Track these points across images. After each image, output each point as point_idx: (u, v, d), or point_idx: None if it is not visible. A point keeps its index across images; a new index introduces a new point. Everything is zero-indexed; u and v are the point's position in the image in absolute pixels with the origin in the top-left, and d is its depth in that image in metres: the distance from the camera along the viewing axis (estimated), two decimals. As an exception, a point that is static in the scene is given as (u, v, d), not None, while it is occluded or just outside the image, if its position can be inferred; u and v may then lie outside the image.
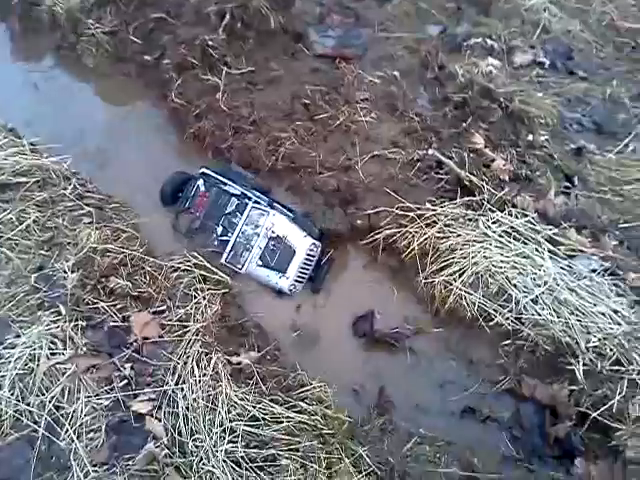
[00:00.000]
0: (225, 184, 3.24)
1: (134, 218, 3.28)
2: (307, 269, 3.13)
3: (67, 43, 4.13)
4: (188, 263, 2.99)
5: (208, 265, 2.99)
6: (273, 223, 3.06)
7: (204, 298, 2.87)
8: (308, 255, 3.09)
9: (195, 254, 3.02)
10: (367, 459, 2.44)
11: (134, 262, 3.00)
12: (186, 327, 2.77)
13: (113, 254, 2.98)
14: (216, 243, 3.16)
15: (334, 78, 3.70)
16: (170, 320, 2.80)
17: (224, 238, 3.15)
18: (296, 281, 3.09)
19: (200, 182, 3.27)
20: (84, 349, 2.64)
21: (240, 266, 3.07)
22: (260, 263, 3.07)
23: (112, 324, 2.75)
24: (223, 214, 3.19)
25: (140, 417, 2.50)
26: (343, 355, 2.96)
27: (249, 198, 3.17)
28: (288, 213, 3.19)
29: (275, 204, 3.21)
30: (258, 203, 3.14)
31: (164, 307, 2.86)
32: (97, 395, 2.52)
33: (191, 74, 3.65)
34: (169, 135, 3.74)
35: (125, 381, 2.59)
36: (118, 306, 2.81)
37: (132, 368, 2.63)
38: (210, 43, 3.62)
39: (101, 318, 2.76)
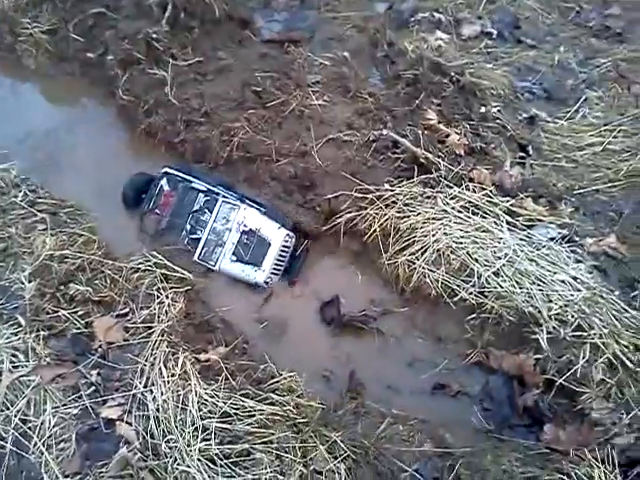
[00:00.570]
0: (190, 181, 3.17)
1: (90, 221, 3.21)
2: (283, 261, 3.08)
3: (4, 45, 4.01)
4: (148, 263, 2.95)
5: (169, 263, 2.95)
6: (245, 217, 3.02)
7: (167, 297, 2.83)
8: (283, 247, 3.04)
9: (155, 253, 2.98)
10: (341, 444, 2.43)
11: (93, 266, 2.95)
12: (151, 328, 2.73)
13: (71, 260, 2.92)
14: (186, 241, 3.11)
15: (284, 63, 3.65)
16: (134, 322, 2.76)
17: (195, 236, 3.09)
18: (272, 273, 3.04)
19: (164, 182, 3.20)
20: (48, 359, 2.60)
21: (213, 263, 3.03)
22: (234, 258, 3.02)
23: (75, 331, 2.71)
24: (191, 212, 3.12)
25: (110, 423, 2.47)
26: (311, 342, 2.95)
27: (217, 194, 3.11)
28: (259, 207, 3.13)
29: (245, 199, 3.15)
30: (227, 198, 3.09)
31: (127, 310, 2.81)
32: (64, 405, 2.48)
33: (137, 69, 3.58)
34: (120, 133, 3.66)
35: (92, 388, 2.56)
36: (80, 313, 2.77)
37: (99, 374, 2.60)
38: (154, 36, 3.54)
39: (63, 326, 2.72)
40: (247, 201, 3.13)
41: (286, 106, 3.44)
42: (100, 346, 2.68)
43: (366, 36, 3.88)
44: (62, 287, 2.82)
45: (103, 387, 2.57)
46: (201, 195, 3.12)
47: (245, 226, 3.01)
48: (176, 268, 2.95)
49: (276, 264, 3.04)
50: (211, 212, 3.06)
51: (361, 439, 2.50)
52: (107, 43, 3.69)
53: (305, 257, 3.18)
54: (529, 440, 2.56)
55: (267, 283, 3.04)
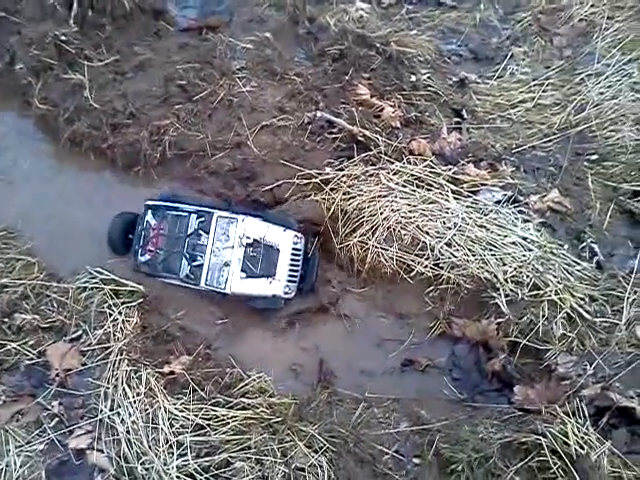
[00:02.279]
0: (177, 208, 2.90)
1: (25, 243, 3.04)
2: (297, 265, 2.90)
3: None
4: (95, 281, 2.83)
5: (117, 278, 2.84)
6: (245, 228, 2.75)
7: (120, 313, 2.74)
8: (294, 250, 2.87)
9: (100, 269, 2.86)
10: (319, 437, 2.43)
11: (37, 291, 2.82)
12: (108, 348, 2.65)
13: (11, 288, 2.79)
14: (190, 270, 2.82)
15: (205, 51, 3.49)
16: (89, 345, 2.67)
17: (197, 262, 2.80)
18: (289, 281, 2.86)
19: (149, 216, 2.93)
20: (3, 397, 2.49)
21: (223, 286, 2.75)
22: (244, 275, 2.75)
23: (28, 363, 2.60)
24: (186, 238, 2.84)
25: (81, 453, 2.40)
26: (274, 337, 2.92)
27: (209, 212, 2.82)
28: (258, 216, 2.90)
29: (242, 212, 2.89)
30: (222, 213, 2.83)
31: (80, 332, 2.72)
32: (29, 442, 2.40)
33: (51, 75, 3.36)
34: (42, 145, 3.43)
35: (56, 419, 2.48)
36: (30, 342, 2.65)
37: (60, 404, 2.52)
38: (63, 38, 3.32)
39: (14, 359, 2.60)
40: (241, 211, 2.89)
41: (214, 97, 3.31)
42: (57, 374, 2.57)
43: (286, 14, 3.75)
44: (6, 319, 2.69)
45: (67, 417, 2.49)
46: (193, 217, 2.84)
47: (248, 238, 2.75)
48: (125, 282, 2.84)
49: (291, 270, 2.86)
50: (208, 233, 2.79)
51: (338, 429, 2.51)
52: (13, 50, 3.44)
53: (319, 258, 2.99)
54: (502, 404, 2.62)
55: (287, 293, 2.87)
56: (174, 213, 2.89)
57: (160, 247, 2.89)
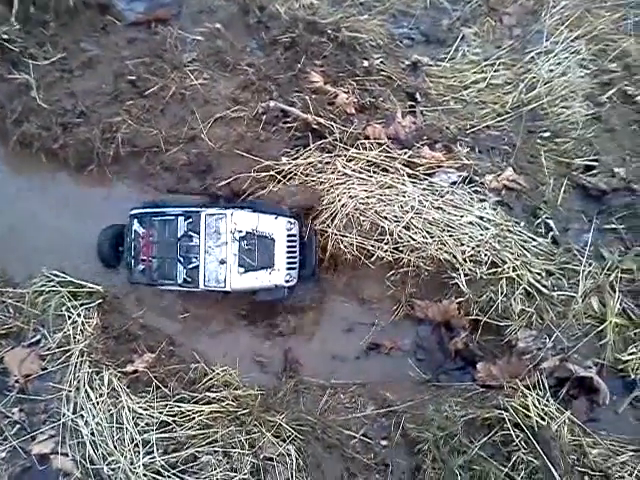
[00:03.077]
0: (164, 212, 2.84)
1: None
2: (294, 252, 2.83)
3: None
4: (51, 283, 2.78)
5: (74, 279, 2.80)
6: (235, 222, 2.70)
7: (79, 315, 2.70)
8: (289, 236, 2.81)
9: (56, 272, 2.81)
10: (286, 426, 2.43)
11: (-9, 298, 2.76)
12: (68, 351, 2.61)
13: (-37, 296, 2.72)
14: (186, 274, 2.76)
15: (154, 45, 3.43)
16: (49, 349, 2.64)
17: (192, 265, 2.75)
18: (289, 269, 2.81)
19: (135, 225, 2.87)
20: (-39, 408, 2.44)
21: (223, 285, 2.69)
22: (242, 270, 2.71)
23: (-15, 371, 2.54)
24: (177, 242, 2.79)
25: (44, 458, 2.38)
26: (238, 328, 2.92)
27: (197, 212, 2.77)
28: (248, 207, 2.85)
29: (230, 206, 2.85)
30: (209, 210, 2.77)
31: (38, 337, 2.68)
32: (-10, 451, 2.35)
33: (-6, 76, 3.28)
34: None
35: (17, 426, 2.45)
36: (-14, 350, 2.59)
37: (21, 410, 2.49)
38: (4, 37, 3.23)
39: (-29, 369, 2.55)
40: (229, 206, 2.85)
41: (166, 91, 3.26)
42: (17, 381, 2.54)
43: (236, 3, 3.70)
44: (-40, 328, 2.63)
45: (29, 423, 2.47)
46: (181, 219, 2.79)
47: (240, 232, 2.71)
48: (83, 283, 2.80)
49: (289, 257, 2.81)
50: (198, 233, 2.73)
51: (305, 416, 2.52)
52: (-50, 52, 3.34)
53: (317, 241, 2.93)
54: (465, 382, 2.66)
55: (288, 281, 2.81)
56: (161, 218, 2.83)
57: (153, 255, 2.83)
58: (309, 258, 2.89)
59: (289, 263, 2.81)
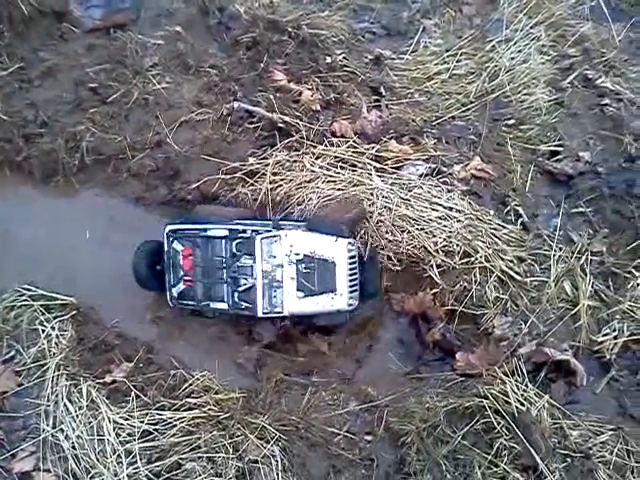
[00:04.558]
0: (205, 230, 2.68)
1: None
2: (356, 274, 2.68)
3: None
4: (23, 298, 2.73)
5: (46, 293, 2.76)
6: (291, 244, 2.57)
7: (53, 329, 2.66)
8: (350, 258, 2.65)
9: (27, 286, 2.76)
10: (270, 428, 2.43)
11: (-40, 317, 2.70)
12: (44, 365, 2.57)
13: None
14: (237, 298, 2.64)
15: (114, 51, 3.40)
16: (24, 364, 2.59)
17: (243, 287, 2.63)
18: (351, 292, 2.65)
19: (175, 243, 2.71)
20: (-64, 430, 2.39)
21: (280, 309, 2.58)
22: (301, 295, 2.58)
23: (-41, 391, 2.49)
24: (224, 262, 2.65)
25: (26, 475, 2.34)
26: (213, 330, 2.89)
27: (244, 231, 2.63)
28: (298, 224, 2.74)
29: (279, 223, 2.73)
30: (258, 232, 2.62)
31: (12, 353, 2.62)
32: (-31, 474, 2.31)
33: (-51, 89, 3.21)
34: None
35: (-4, 445, 2.40)
36: (-41, 370, 2.54)
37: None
38: (-42, 49, 3.18)
39: (-56, 389, 2.49)
40: (284, 224, 2.72)
41: (128, 97, 3.24)
42: (-7, 398, 2.48)
43: (195, 5, 3.66)
44: None
45: (8, 440, 2.42)
46: (227, 238, 2.64)
47: (297, 254, 2.57)
48: (55, 295, 2.76)
49: (351, 281, 2.65)
50: (250, 255, 2.59)
51: (288, 416, 2.51)
52: None
53: (377, 260, 2.82)
54: (445, 372, 2.68)
55: (351, 305, 2.66)
56: (203, 236, 2.69)
57: (195, 275, 2.70)
58: (370, 279, 2.77)
59: (351, 286, 2.65)
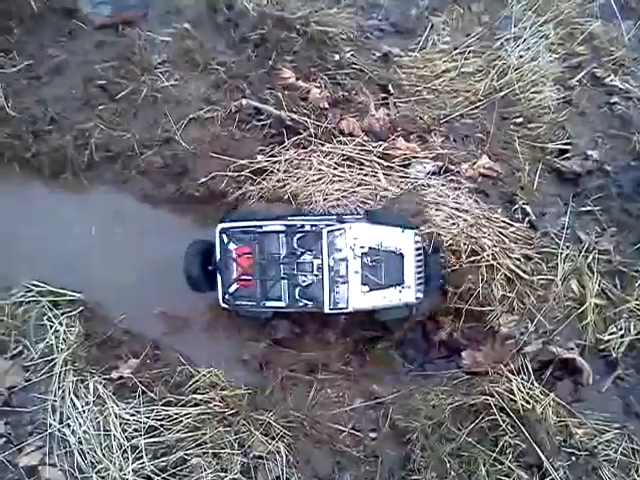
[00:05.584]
0: (260, 226, 2.58)
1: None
2: (422, 267, 2.60)
3: None
4: (31, 294, 2.75)
5: (54, 289, 2.78)
6: (356, 237, 2.47)
7: (61, 324, 2.69)
8: (417, 250, 2.58)
9: (36, 282, 2.78)
10: (275, 424, 2.44)
11: (-30, 312, 2.73)
12: (52, 361, 2.59)
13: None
14: (298, 294, 2.54)
15: (123, 48, 3.39)
16: (32, 360, 2.62)
17: (304, 284, 2.52)
18: (418, 284, 2.58)
19: (228, 242, 2.60)
20: (-55, 423, 2.41)
21: (345, 305, 2.48)
22: (367, 289, 2.49)
23: (-32, 386, 2.52)
24: (281, 259, 2.55)
25: (33, 470, 2.37)
26: (219, 327, 2.91)
27: (302, 226, 2.54)
28: (359, 217, 2.68)
29: (340, 215, 2.69)
30: (317, 226, 2.51)
31: (20, 348, 2.65)
32: (-24, 468, 2.34)
33: (-41, 86, 3.22)
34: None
35: (3, 439, 2.43)
36: (-32, 364, 2.57)
37: (7, 423, 2.47)
38: (-32, 45, 3.19)
39: (-47, 384, 2.52)
40: (346, 218, 2.63)
41: (137, 94, 3.24)
42: (0, 393, 2.52)
43: (203, 2, 3.66)
44: (-60, 343, 2.60)
45: (15, 435, 2.45)
46: (283, 235, 2.55)
47: (362, 247, 2.48)
48: (62, 291, 2.78)
49: (419, 273, 2.58)
50: (311, 250, 2.50)
51: (293, 413, 2.53)
52: None
53: (441, 251, 2.74)
54: (451, 369, 2.69)
55: (418, 298, 2.58)
56: (260, 232, 2.59)
57: (252, 274, 2.59)
58: (435, 272, 2.68)
59: (419, 279, 2.59)
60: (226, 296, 2.62)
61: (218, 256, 2.61)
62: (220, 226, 2.63)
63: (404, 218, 2.64)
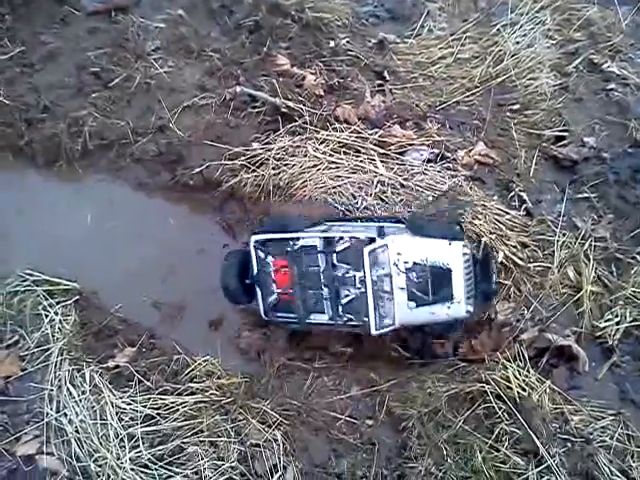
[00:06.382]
0: (297, 238, 2.48)
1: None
2: (471, 278, 2.49)
3: None
4: (26, 283, 2.74)
5: (49, 277, 2.77)
6: (399, 252, 2.37)
7: (57, 314, 2.68)
8: (466, 263, 2.47)
9: (30, 271, 2.77)
10: (272, 412, 2.44)
11: (-36, 303, 2.72)
12: (47, 350, 2.59)
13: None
14: (341, 310, 2.45)
15: (116, 35, 3.38)
16: (28, 349, 2.61)
17: (345, 300, 2.44)
18: (468, 298, 2.47)
19: (268, 258, 2.52)
20: (-59, 413, 2.41)
21: (391, 321, 2.40)
22: (413, 305, 2.39)
23: (-36, 375, 2.51)
24: (321, 272, 2.45)
25: (30, 459, 2.36)
26: (215, 315, 2.91)
27: (341, 239, 2.42)
28: (399, 225, 2.54)
29: (380, 226, 2.47)
30: (358, 239, 2.40)
31: (16, 337, 2.64)
32: (-27, 457, 2.33)
33: (-50, 73, 3.19)
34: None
35: (0, 428, 2.42)
36: (-37, 354, 2.57)
37: (3, 412, 2.46)
38: (-41, 33, 3.16)
39: (-51, 374, 2.51)
40: (386, 228, 2.47)
41: (131, 81, 3.22)
42: (-3, 383, 2.50)
43: (197, -12, 3.63)
44: None
45: (12, 424, 2.44)
46: (323, 251, 2.45)
47: (406, 262, 2.37)
48: (57, 280, 2.77)
49: (468, 286, 2.47)
50: (349, 263, 2.40)
51: (290, 401, 2.53)
52: None
53: (494, 258, 2.65)
54: (449, 357, 2.69)
55: (469, 312, 2.49)
56: (296, 244, 2.49)
57: (289, 287, 2.50)
58: (485, 279, 2.58)
59: (469, 292, 2.48)
60: (267, 310, 2.56)
61: (255, 270, 2.53)
62: (254, 238, 2.54)
63: (451, 229, 2.50)
